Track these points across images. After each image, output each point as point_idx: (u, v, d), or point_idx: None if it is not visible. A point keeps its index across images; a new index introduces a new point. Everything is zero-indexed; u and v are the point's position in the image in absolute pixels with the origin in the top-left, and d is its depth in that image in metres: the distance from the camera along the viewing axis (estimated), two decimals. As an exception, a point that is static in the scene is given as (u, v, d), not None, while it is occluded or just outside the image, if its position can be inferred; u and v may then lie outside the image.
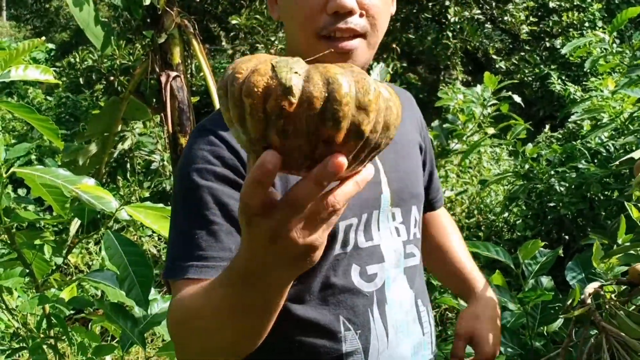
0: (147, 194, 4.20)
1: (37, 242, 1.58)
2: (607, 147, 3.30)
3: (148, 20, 3.18)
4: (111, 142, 3.46)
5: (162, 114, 3.21)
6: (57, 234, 3.70)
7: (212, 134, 0.96)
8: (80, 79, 5.93)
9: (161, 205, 1.71)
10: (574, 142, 3.78)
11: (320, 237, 0.61)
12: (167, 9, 3.12)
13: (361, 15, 0.94)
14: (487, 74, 3.49)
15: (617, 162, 1.41)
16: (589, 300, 1.02)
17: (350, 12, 0.92)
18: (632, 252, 1.19)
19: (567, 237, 3.20)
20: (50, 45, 9.48)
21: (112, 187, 4.26)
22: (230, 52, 7.42)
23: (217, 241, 0.89)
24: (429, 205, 1.32)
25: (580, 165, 3.27)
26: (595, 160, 3.31)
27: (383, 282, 1.04)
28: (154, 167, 4.39)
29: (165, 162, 4.41)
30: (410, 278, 1.08)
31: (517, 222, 3.46)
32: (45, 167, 1.56)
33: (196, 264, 0.88)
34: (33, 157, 4.29)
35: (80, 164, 3.45)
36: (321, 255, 0.79)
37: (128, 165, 4.16)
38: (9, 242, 1.59)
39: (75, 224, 3.28)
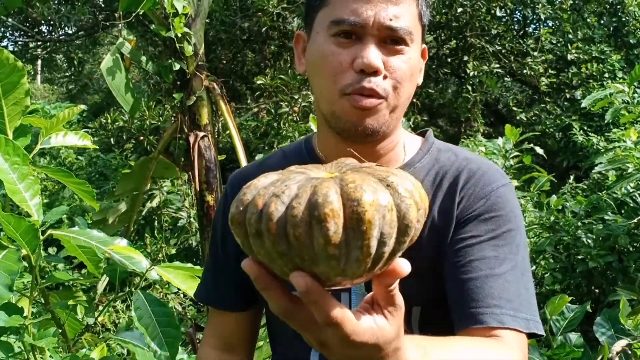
0: (173, 251, 4.27)
1: (71, 302, 1.63)
2: (634, 197, 3.27)
3: (178, 83, 3.32)
4: (140, 200, 3.56)
5: (189, 173, 3.30)
6: (85, 292, 3.75)
7: (225, 192, 1.16)
8: (111, 139, 6.16)
9: (190, 265, 1.75)
10: (599, 193, 3.75)
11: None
12: (197, 72, 3.27)
13: (385, 78, 0.95)
14: (508, 126, 3.51)
15: (636, 219, 1.41)
16: (616, 359, 1.01)
17: (375, 72, 0.93)
18: (659, 308, 1.18)
19: (597, 290, 3.14)
20: (83, 107, 9.86)
21: (140, 244, 4.33)
22: (255, 110, 7.62)
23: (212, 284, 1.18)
24: (459, 320, 0.93)
25: (606, 217, 3.24)
26: (622, 211, 3.27)
27: None
28: (181, 224, 4.48)
29: (192, 219, 4.49)
30: None
31: (546, 275, 3.41)
32: (79, 229, 1.63)
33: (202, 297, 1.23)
34: (64, 216, 4.41)
35: (110, 222, 3.54)
36: (280, 327, 1.03)
37: (156, 223, 4.25)
38: (43, 302, 1.64)
39: (103, 282, 3.33)
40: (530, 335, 0.93)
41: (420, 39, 1.00)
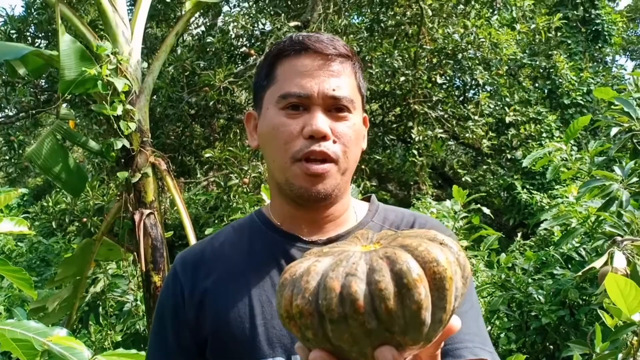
0: (119, 338, 4.04)
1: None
2: (579, 251, 3.36)
3: (122, 160, 3.26)
4: (83, 285, 3.39)
5: (135, 253, 3.19)
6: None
7: (174, 271, 1.12)
8: (53, 223, 5.93)
9: (134, 350, 1.65)
10: (546, 249, 3.84)
11: None
12: (142, 149, 3.22)
13: (334, 142, 1.02)
14: (455, 187, 3.60)
15: (579, 273, 1.44)
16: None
17: (324, 138, 1.01)
18: (611, 363, 1.18)
19: (552, 347, 3.15)
20: (24, 190, 9.54)
21: (84, 333, 4.08)
22: (204, 183, 7.56)
23: None
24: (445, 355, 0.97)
25: (555, 272, 3.31)
26: (570, 265, 3.35)
27: None
28: (127, 308, 4.27)
29: (138, 302, 4.30)
30: None
31: (501, 335, 3.40)
32: (15, 321, 1.53)
33: None
34: (1, 307, 4.14)
35: (50, 311, 3.34)
36: None
37: (100, 309, 4.04)
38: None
39: (45, 375, 3.10)
40: None
41: (361, 108, 1.10)
